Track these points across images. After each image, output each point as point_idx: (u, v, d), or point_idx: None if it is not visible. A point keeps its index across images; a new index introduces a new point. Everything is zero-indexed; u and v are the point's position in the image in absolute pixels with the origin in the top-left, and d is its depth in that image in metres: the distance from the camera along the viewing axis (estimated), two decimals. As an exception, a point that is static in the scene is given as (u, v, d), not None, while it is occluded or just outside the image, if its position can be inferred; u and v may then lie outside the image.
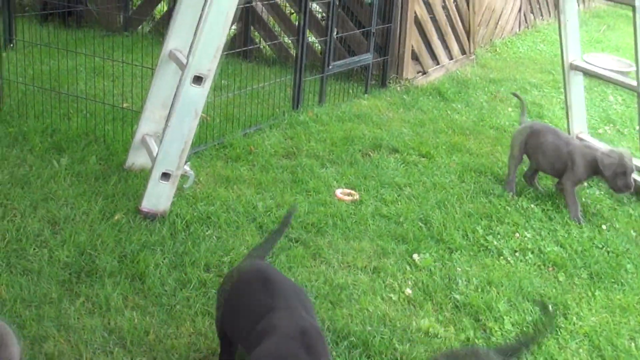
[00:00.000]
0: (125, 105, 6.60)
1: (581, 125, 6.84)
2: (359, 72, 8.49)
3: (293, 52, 8.62)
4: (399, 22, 8.45)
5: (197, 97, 4.76)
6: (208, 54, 4.70)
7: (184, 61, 4.86)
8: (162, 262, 4.32)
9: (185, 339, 3.71)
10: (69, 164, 5.45)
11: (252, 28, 9.12)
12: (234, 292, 3.37)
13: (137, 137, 5.51)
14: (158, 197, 4.84)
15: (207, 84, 4.76)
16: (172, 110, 4.80)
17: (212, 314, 3.91)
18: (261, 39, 9.29)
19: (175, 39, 5.30)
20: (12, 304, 3.81)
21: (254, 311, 3.21)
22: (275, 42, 9.11)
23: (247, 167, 5.84)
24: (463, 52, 9.98)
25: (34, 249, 4.33)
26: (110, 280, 4.10)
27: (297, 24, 7.62)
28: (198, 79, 4.72)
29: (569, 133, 6.69)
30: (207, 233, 4.70)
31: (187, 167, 4.97)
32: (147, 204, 4.85)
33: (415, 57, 8.82)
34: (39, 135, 5.88)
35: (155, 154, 4.98)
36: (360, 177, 5.82)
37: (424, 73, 8.96)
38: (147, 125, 5.47)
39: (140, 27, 10.01)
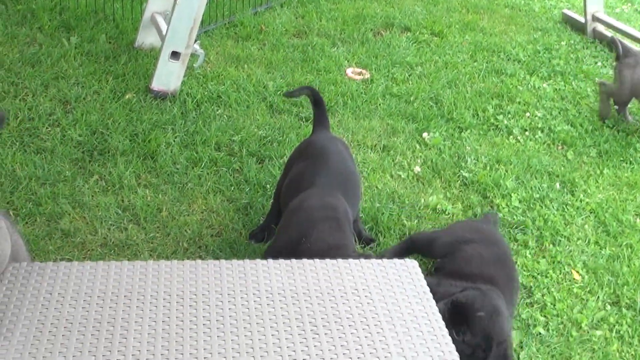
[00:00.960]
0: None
1: (597, 4, 6.70)
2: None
3: None
4: None
5: (205, -27, 4.67)
6: None
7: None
8: (174, 141, 4.36)
9: (197, 216, 3.79)
10: (78, 43, 5.42)
11: None
12: (292, 160, 3.62)
13: (146, 15, 5.45)
14: (168, 76, 4.84)
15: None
16: (180, -14, 4.73)
17: (223, 191, 3.98)
18: None
19: None
20: (27, 182, 3.88)
21: (297, 184, 3.33)
22: None
23: (258, 46, 5.79)
24: None
25: (47, 128, 4.38)
26: (123, 158, 4.16)
27: None
28: (205, -45, 4.63)
29: (585, 13, 6.55)
30: (217, 112, 4.73)
31: (196, 46, 4.93)
32: (157, 84, 4.85)
33: None
34: (48, 13, 5.82)
35: (164, 33, 4.95)
36: (372, 56, 5.77)
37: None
38: (156, 3, 5.40)
39: None
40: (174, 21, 4.77)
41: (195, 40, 4.90)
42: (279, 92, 5.02)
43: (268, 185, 4.04)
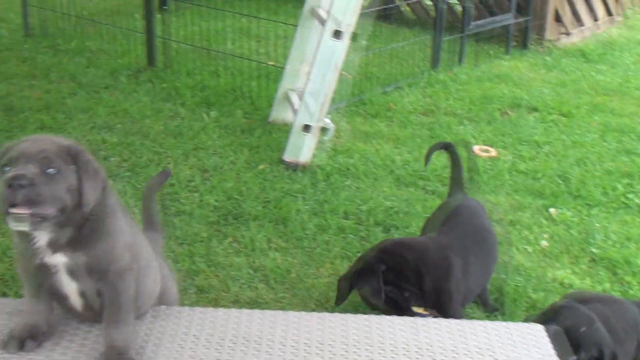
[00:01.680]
0: (270, 63, 6.85)
1: None
2: (499, 33, 8.39)
3: (433, 14, 8.62)
4: (542, -19, 8.30)
5: (336, 50, 4.92)
6: (348, 9, 4.84)
7: (325, 16, 5.03)
8: (304, 208, 4.53)
9: (324, 279, 3.90)
10: (217, 117, 5.77)
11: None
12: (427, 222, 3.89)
13: (280, 92, 5.75)
14: (300, 148, 5.06)
15: (346, 38, 4.90)
16: (313, 64, 4.99)
17: (349, 257, 4.09)
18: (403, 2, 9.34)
19: (315, -4, 5.48)
20: (167, 241, 4.12)
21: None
22: (415, 1, 9.13)
23: (386, 123, 5.97)
24: (609, 13, 9.65)
25: (186, 193, 4.65)
26: (255, 223, 4.35)
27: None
28: (337, 33, 4.88)
29: None
30: (346, 183, 4.88)
31: (327, 120, 5.15)
32: (289, 155, 5.07)
33: (557, 19, 8.62)
34: (190, 91, 6.24)
35: (297, 107, 5.20)
36: (498, 134, 5.83)
37: (567, 34, 8.75)
38: (290, 80, 5.70)
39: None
40: (306, 96, 5.02)
41: (326, 115, 5.12)
42: (405, 166, 5.14)
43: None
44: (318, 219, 4.45)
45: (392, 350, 2.55)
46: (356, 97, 6.39)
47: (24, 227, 2.23)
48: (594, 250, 4.29)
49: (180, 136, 5.42)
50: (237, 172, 4.95)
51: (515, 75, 7.40)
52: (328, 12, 4.91)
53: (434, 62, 7.31)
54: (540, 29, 8.46)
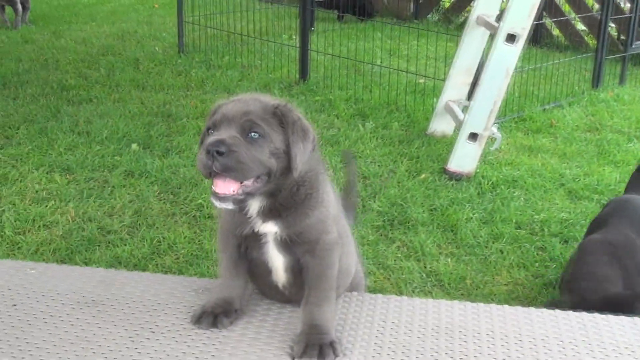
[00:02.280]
0: (421, 80, 6.70)
1: None
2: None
3: (587, 38, 8.32)
4: None
5: (509, 55, 4.70)
6: (523, 12, 4.63)
7: (494, 24, 4.84)
8: (473, 216, 4.30)
9: (503, 287, 3.66)
10: (373, 128, 5.64)
11: (543, 13, 8.89)
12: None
13: (440, 104, 5.56)
14: (464, 157, 4.84)
15: (520, 43, 4.69)
16: (484, 69, 4.79)
17: (527, 267, 3.83)
18: (553, 25, 9.03)
19: (484, 5, 5.29)
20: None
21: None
22: (569, 27, 8.82)
23: (549, 138, 5.68)
24: None
25: (350, 198, 4.51)
26: (423, 229, 4.16)
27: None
28: (511, 37, 4.67)
29: None
30: (514, 194, 4.63)
31: (494, 129, 4.92)
32: (453, 165, 4.87)
33: None
34: (344, 103, 6.15)
35: (460, 118, 5.00)
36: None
37: None
38: (451, 91, 5.51)
39: (429, 15, 10.15)
40: (474, 103, 4.81)
41: (493, 124, 4.90)
42: (577, 180, 4.84)
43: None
44: (489, 227, 4.21)
45: (614, 350, 2.28)
46: (515, 113, 6.13)
47: (228, 206, 2.13)
48: None
49: (337, 144, 5.31)
50: (398, 180, 4.77)
51: (684, 96, 6.96)
52: (502, 15, 4.71)
53: (595, 82, 6.98)
54: None
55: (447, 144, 5.31)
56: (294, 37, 8.38)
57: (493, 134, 4.90)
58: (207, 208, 4.36)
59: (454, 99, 5.47)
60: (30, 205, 4.33)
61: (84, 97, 6.36)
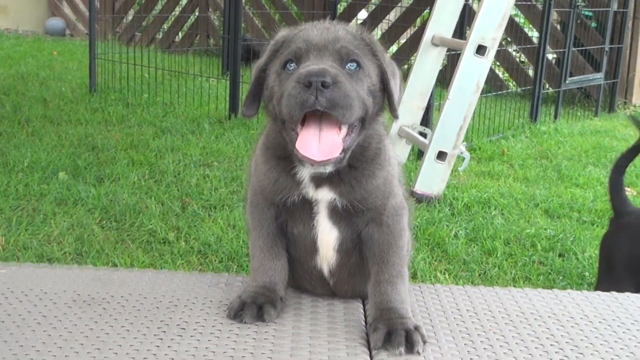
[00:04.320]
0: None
1: None
2: (587, 95, 8.00)
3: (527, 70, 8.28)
4: (629, 44, 7.95)
5: (479, 68, 4.45)
6: (493, 22, 4.41)
7: (455, 40, 4.63)
8: (458, 233, 3.95)
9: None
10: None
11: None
12: None
13: (393, 130, 5.23)
14: (432, 178, 4.52)
15: (491, 55, 4.45)
16: (451, 84, 4.50)
17: (532, 280, 3.49)
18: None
19: (437, 25, 5.05)
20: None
21: None
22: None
23: (505, 165, 5.45)
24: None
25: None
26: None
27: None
28: (481, 49, 4.42)
29: None
30: (492, 213, 4.31)
31: (463, 148, 4.62)
32: (420, 186, 4.53)
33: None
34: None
35: (420, 140, 4.71)
36: (633, 175, 5.30)
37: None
38: (405, 116, 5.19)
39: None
40: (442, 120, 4.51)
41: (462, 142, 4.60)
42: (550, 200, 4.59)
43: (586, 274, 3.52)
44: (477, 244, 3.87)
45: None
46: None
47: (327, 168, 1.70)
48: None
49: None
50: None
51: (614, 131, 6.94)
52: (471, 27, 4.48)
53: (533, 116, 6.90)
54: (627, 92, 8.06)
55: (406, 169, 4.97)
56: (214, 78, 7.97)
57: (462, 152, 4.60)
58: (160, 233, 3.82)
59: (408, 124, 5.16)
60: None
61: (-8, 130, 5.70)
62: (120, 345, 1.65)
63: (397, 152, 4.77)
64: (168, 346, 1.66)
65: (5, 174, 4.60)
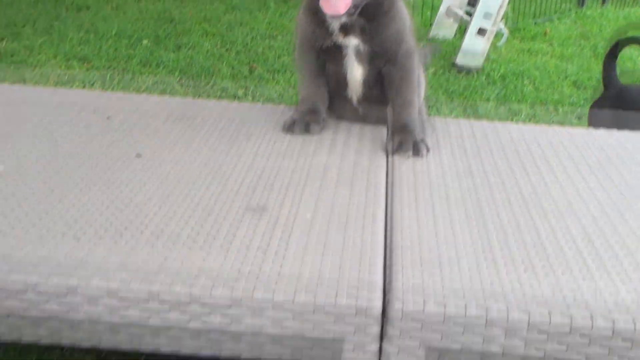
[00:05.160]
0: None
1: None
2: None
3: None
4: None
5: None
6: None
7: None
8: (491, 97, 4.49)
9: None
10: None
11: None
12: None
13: (441, 10, 5.71)
14: (473, 52, 5.02)
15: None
16: (494, -35, 4.95)
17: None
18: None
19: None
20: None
21: None
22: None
23: (545, 44, 5.90)
24: None
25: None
26: (444, 107, 4.33)
27: None
28: None
29: None
30: (524, 83, 4.82)
31: (502, 25, 5.09)
32: (461, 59, 5.04)
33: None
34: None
35: (466, 18, 5.17)
36: None
37: None
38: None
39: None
40: (484, -1, 4.98)
41: (501, 19, 5.08)
42: (579, 73, 5.07)
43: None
44: (506, 106, 4.40)
45: None
46: (508, 25, 6.33)
47: (340, 20, 2.29)
48: None
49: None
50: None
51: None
52: None
53: (580, 1, 7.23)
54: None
55: (451, 45, 5.47)
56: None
57: (500, 29, 5.08)
58: (231, 90, 4.46)
59: (456, 5, 5.62)
60: (55, 86, 4.38)
61: (81, 4, 6.35)
62: (203, 145, 2.31)
63: (444, 32, 5.27)
64: (237, 149, 2.31)
65: (97, 40, 5.28)
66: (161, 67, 4.82)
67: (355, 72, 2.46)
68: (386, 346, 1.54)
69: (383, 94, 2.48)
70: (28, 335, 1.58)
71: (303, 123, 2.46)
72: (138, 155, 2.17)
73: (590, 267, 1.68)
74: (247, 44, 5.40)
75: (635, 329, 1.48)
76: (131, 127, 2.40)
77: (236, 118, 2.57)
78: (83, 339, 1.58)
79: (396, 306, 1.52)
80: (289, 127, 2.46)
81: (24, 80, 4.39)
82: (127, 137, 2.31)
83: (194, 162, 2.16)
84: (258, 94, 4.44)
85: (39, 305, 1.53)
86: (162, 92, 4.39)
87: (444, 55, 5.28)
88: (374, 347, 1.55)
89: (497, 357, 1.53)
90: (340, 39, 2.38)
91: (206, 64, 4.87)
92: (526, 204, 2.01)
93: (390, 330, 1.53)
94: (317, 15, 2.37)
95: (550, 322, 1.49)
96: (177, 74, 4.72)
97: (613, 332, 1.48)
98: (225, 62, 4.96)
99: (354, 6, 2.24)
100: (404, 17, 2.44)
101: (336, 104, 2.59)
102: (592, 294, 1.56)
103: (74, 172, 2.03)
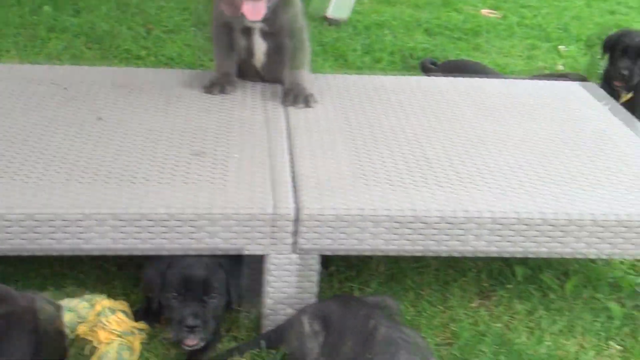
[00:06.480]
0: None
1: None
2: None
3: None
4: None
5: None
6: None
7: None
8: (356, 48, 5.34)
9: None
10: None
11: None
12: None
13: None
14: (341, 6, 5.83)
15: None
16: None
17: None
18: None
19: None
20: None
21: None
22: None
23: (402, -6, 6.79)
24: None
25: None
26: (319, 58, 5.13)
27: None
28: None
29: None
30: (385, 32, 5.70)
31: (364, -19, 5.91)
32: (332, 12, 5.84)
33: None
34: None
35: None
36: (501, 1, 6.70)
37: None
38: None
39: None
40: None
41: (363, -24, 5.90)
42: (431, 22, 5.99)
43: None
44: (370, 55, 5.26)
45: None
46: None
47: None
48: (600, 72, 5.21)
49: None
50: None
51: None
52: None
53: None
54: None
55: (321, 1, 6.25)
56: None
57: (364, -15, 5.91)
58: (134, 51, 5.11)
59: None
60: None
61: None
62: (149, 107, 3.05)
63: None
64: (170, 109, 3.07)
65: (1, 8, 5.77)
66: (67, 33, 5.38)
67: (260, 46, 3.25)
68: (299, 239, 2.39)
69: (279, 61, 3.27)
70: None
71: (219, 85, 3.24)
72: (99, 119, 2.90)
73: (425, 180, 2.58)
74: (139, 5, 6.01)
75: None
76: (83, 95, 3.11)
77: (167, 83, 3.31)
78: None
79: (304, 212, 2.36)
80: (209, 89, 3.23)
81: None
82: (87, 104, 3.02)
83: (145, 122, 2.91)
84: (159, 53, 5.11)
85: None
86: (73, 56, 4.99)
87: (316, 10, 6.06)
88: (290, 240, 2.38)
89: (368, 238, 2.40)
90: (249, 23, 3.15)
91: (107, 27, 5.47)
92: (386, 137, 2.88)
93: (301, 228, 2.37)
94: (233, 6, 3.12)
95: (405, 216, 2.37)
96: (82, 38, 5.30)
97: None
98: (123, 25, 5.57)
99: (268, 7, 3.02)
100: (297, 4, 3.26)
101: (243, 70, 3.37)
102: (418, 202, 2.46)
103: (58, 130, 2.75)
